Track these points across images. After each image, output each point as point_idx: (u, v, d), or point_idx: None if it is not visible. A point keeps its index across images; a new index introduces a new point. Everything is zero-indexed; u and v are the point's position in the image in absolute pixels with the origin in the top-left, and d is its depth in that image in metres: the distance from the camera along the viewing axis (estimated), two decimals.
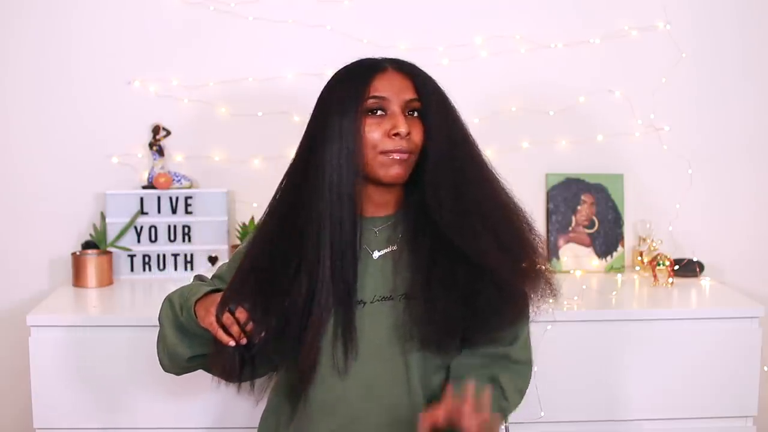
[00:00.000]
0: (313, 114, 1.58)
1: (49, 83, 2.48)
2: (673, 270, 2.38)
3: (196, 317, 1.51)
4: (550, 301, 1.54)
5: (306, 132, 1.57)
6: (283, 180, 1.57)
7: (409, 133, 1.49)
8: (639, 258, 2.50)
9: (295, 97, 2.50)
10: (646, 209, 2.59)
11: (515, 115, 2.53)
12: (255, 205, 2.51)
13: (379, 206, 1.57)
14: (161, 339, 1.60)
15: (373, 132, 1.49)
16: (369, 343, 1.51)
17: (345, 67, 1.60)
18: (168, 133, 2.48)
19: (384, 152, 1.48)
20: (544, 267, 1.53)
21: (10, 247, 2.50)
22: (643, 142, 2.56)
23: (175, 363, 1.62)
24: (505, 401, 1.53)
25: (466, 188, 1.50)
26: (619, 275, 2.50)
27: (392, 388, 1.52)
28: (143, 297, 2.30)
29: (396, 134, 1.48)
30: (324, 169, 1.48)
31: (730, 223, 2.60)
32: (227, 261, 1.72)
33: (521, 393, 1.56)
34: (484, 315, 1.47)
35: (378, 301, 1.53)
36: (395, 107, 1.50)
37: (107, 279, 2.37)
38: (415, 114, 1.52)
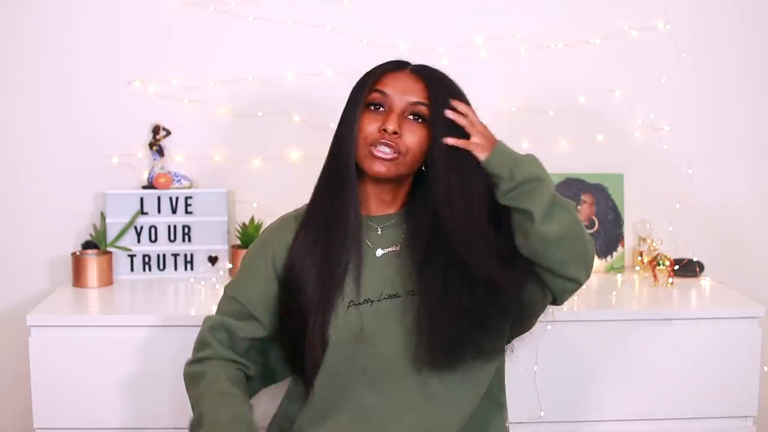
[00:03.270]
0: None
1: (49, 83, 2.47)
2: (673, 270, 2.38)
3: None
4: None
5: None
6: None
7: (396, 133, 1.50)
8: (639, 258, 2.50)
9: (295, 97, 2.50)
10: (646, 209, 2.59)
11: (515, 115, 2.53)
12: (255, 205, 2.51)
13: (380, 203, 1.60)
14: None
15: (368, 125, 1.52)
16: (382, 352, 1.54)
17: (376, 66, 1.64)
18: (168, 133, 2.48)
19: (371, 145, 1.51)
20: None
21: (10, 247, 2.50)
22: (643, 142, 2.56)
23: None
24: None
25: (473, 201, 1.51)
26: (619, 275, 2.50)
27: (409, 410, 1.55)
28: (143, 297, 2.30)
29: (385, 130, 1.50)
30: (332, 155, 1.56)
31: (730, 223, 2.60)
32: (238, 275, 1.69)
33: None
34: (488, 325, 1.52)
35: (385, 299, 1.55)
36: (396, 106, 1.52)
37: (107, 279, 2.37)
38: (420, 120, 1.53)
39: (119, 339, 2.04)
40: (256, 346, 1.62)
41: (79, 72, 2.48)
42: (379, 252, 1.59)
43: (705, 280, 2.44)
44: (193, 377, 1.59)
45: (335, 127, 1.59)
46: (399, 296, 1.55)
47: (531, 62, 2.53)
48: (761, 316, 2.11)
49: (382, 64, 1.59)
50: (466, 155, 1.51)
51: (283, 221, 1.67)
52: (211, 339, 1.61)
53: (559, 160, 2.55)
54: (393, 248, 1.59)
